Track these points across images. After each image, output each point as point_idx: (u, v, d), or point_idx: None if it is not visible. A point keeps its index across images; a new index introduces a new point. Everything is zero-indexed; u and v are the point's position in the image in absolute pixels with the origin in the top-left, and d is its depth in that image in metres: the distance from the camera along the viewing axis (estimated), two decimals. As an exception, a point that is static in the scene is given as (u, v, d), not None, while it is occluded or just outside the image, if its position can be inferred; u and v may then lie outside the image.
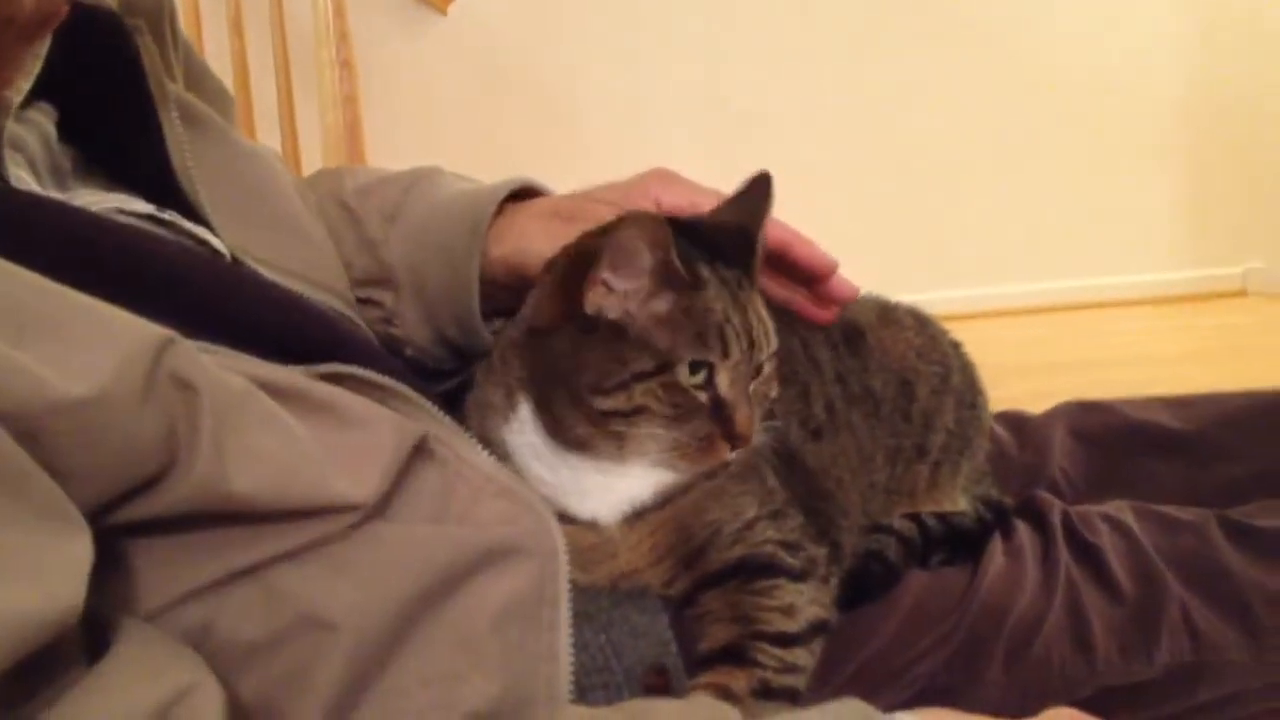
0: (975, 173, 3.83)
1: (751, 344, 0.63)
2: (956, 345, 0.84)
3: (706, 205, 0.75)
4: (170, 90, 0.69)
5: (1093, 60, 3.78)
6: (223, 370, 0.50)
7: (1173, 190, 3.91)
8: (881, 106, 3.73)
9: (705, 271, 0.64)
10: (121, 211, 0.63)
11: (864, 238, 3.75)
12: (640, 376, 0.61)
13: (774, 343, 0.66)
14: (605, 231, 0.63)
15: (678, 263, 0.62)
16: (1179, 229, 3.92)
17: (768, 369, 0.66)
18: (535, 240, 0.75)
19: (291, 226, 0.75)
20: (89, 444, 0.45)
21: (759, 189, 0.70)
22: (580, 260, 0.65)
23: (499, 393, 0.67)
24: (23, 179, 0.61)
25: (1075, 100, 3.79)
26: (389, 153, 2.95)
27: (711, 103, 3.54)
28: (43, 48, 0.62)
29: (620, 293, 0.62)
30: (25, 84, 0.64)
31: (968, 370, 0.83)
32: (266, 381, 0.52)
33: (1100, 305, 3.84)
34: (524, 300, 0.70)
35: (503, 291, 0.78)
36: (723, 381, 0.62)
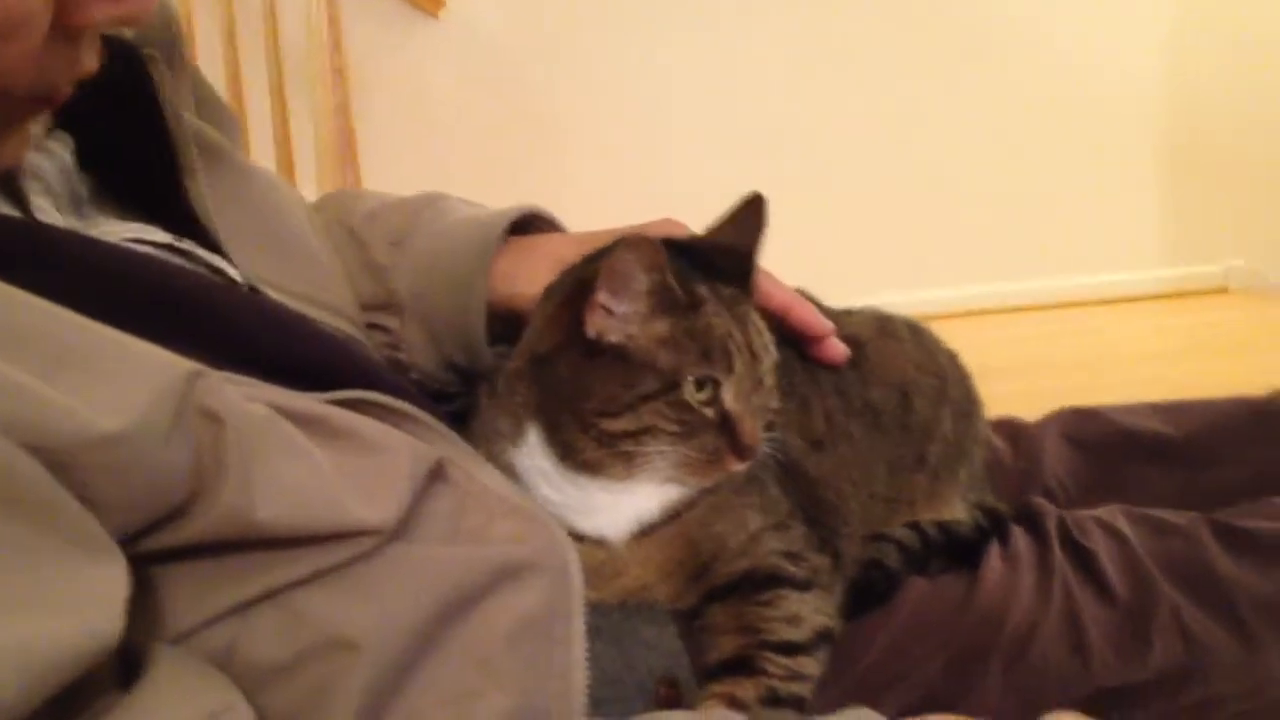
0: (959, 174, 3.86)
1: (753, 357, 0.65)
2: (952, 356, 0.86)
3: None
4: (186, 119, 0.71)
5: (1074, 62, 3.81)
6: (247, 400, 0.52)
7: (1154, 189, 3.94)
8: (866, 112, 3.76)
9: (703, 290, 0.65)
10: (141, 241, 0.65)
11: (848, 239, 3.79)
12: (646, 397, 0.63)
13: (773, 355, 0.68)
14: (600, 256, 0.65)
15: (674, 283, 0.63)
16: (1161, 228, 3.96)
17: (768, 381, 0.67)
18: (538, 283, 0.77)
19: (302, 252, 0.76)
20: (119, 476, 0.46)
21: (753, 210, 0.72)
22: (578, 286, 0.67)
23: (505, 419, 0.69)
24: (43, 208, 0.63)
25: (1057, 101, 3.82)
26: (382, 160, 2.97)
27: (707, 109, 3.56)
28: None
29: (620, 316, 0.64)
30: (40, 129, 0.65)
31: (964, 381, 0.85)
32: (288, 409, 0.54)
33: (1084, 304, 3.87)
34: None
35: (508, 324, 0.79)
36: (728, 396, 0.64)
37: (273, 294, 0.70)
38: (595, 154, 3.46)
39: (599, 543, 0.67)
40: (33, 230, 0.59)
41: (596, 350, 0.64)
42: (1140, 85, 3.87)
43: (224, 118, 0.84)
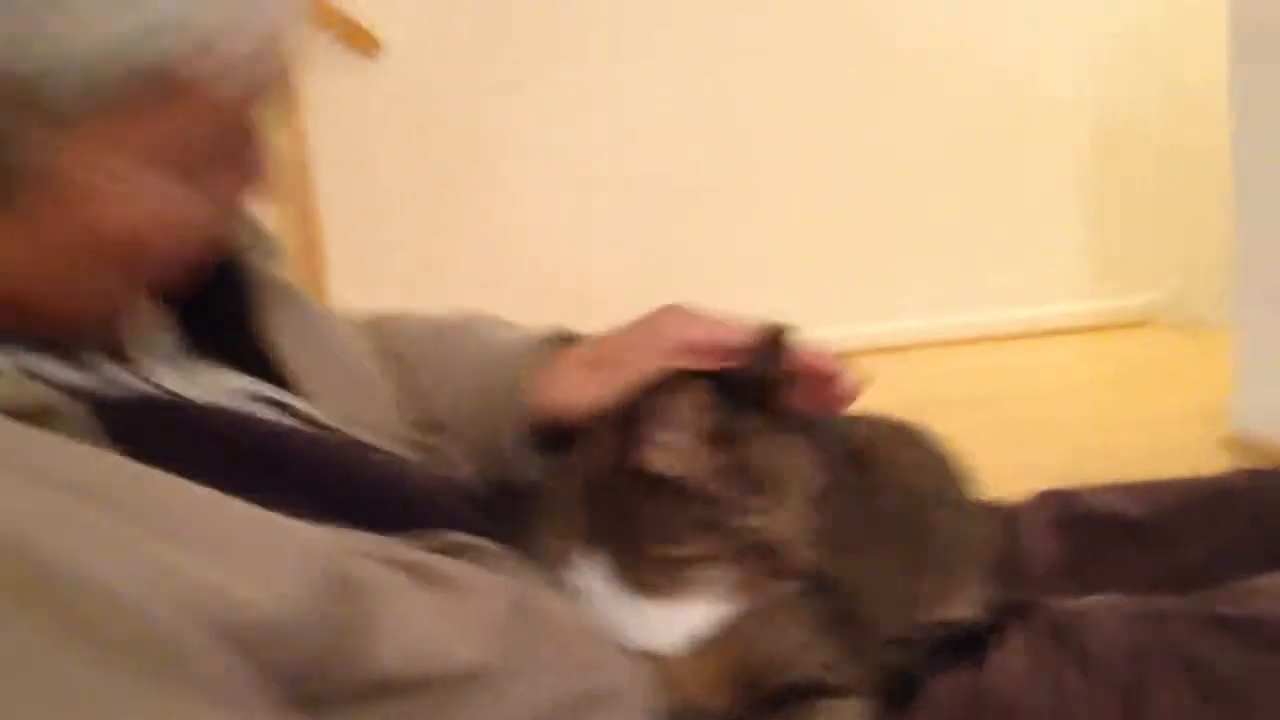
0: (882, 208, 3.94)
1: (797, 485, 0.71)
2: (949, 458, 0.92)
3: (726, 336, 0.82)
4: (257, 265, 0.75)
5: (996, 95, 3.92)
6: (371, 559, 0.56)
7: (1079, 223, 4.08)
8: (789, 148, 3.83)
9: (746, 424, 0.71)
10: (242, 393, 0.69)
11: (771, 276, 3.86)
12: (700, 527, 0.68)
13: (813, 481, 0.74)
14: (652, 393, 0.71)
15: (721, 420, 0.69)
16: (1082, 261, 4.09)
17: (808, 503, 0.73)
18: (569, 390, 0.83)
19: (366, 383, 0.81)
20: (278, 648, 0.51)
21: (778, 341, 0.78)
22: (631, 421, 0.72)
23: (560, 541, 0.74)
24: (157, 371, 0.67)
25: (980, 135, 3.94)
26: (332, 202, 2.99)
27: (651, 144, 3.59)
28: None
29: (671, 450, 0.70)
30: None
31: (963, 480, 0.92)
32: (402, 562, 0.59)
33: (1009, 338, 3.99)
34: (563, 439, 0.77)
35: (541, 433, 0.84)
36: (774, 522, 0.70)
37: (347, 429, 0.74)
38: (542, 189, 3.51)
39: (655, 657, 0.72)
40: (182, 410, 0.63)
41: (650, 481, 0.70)
42: (1062, 122, 3.99)
43: (269, 244, 0.88)
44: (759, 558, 0.70)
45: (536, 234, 3.51)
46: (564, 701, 0.63)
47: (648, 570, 0.70)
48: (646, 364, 0.79)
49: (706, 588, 0.70)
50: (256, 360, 0.74)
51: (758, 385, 0.76)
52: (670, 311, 0.86)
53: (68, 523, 0.46)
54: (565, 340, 0.90)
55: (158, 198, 0.55)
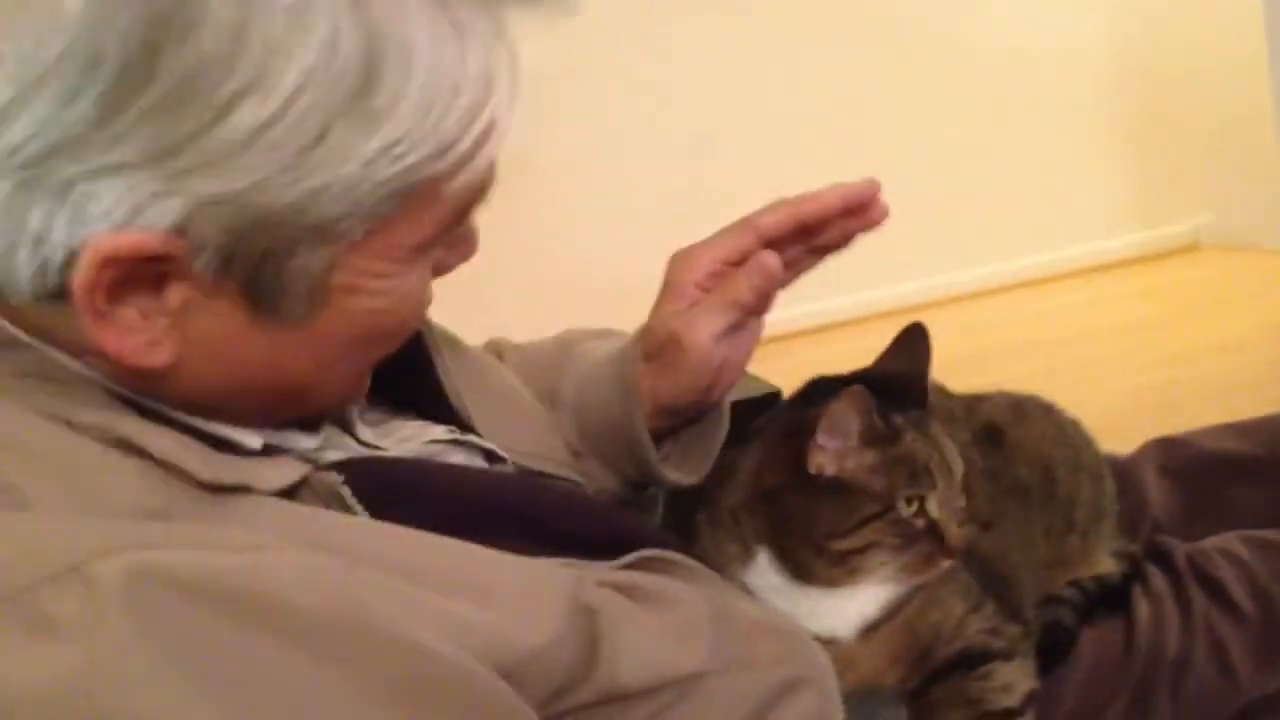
0: (919, 165, 3.93)
1: (949, 469, 0.77)
2: (1076, 424, 0.97)
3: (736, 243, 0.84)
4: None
5: (1023, 31, 3.90)
6: (596, 585, 0.62)
7: (1116, 156, 4.07)
8: (815, 105, 3.82)
9: (899, 420, 0.77)
10: (435, 441, 0.75)
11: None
12: (868, 519, 0.74)
13: (961, 465, 0.79)
14: (815, 404, 0.76)
15: (880, 420, 0.75)
16: (1127, 193, 4.09)
17: (959, 486, 0.79)
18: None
19: (530, 417, 0.86)
20: (543, 676, 0.57)
21: (917, 338, 0.83)
22: (794, 430, 0.78)
23: (734, 544, 0.80)
24: (366, 432, 0.72)
25: (1010, 79, 3.93)
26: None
27: (647, 116, 3.57)
28: None
29: (836, 452, 0.76)
30: None
31: (1091, 446, 0.96)
32: (614, 584, 0.64)
33: (1055, 279, 3.98)
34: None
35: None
36: (932, 506, 0.76)
37: (525, 462, 0.79)
38: (570, 193, 3.53)
39: (830, 641, 0.78)
40: (404, 465, 0.69)
41: (818, 483, 0.75)
42: (1091, 55, 3.98)
43: None
44: (920, 542, 0.75)
45: (563, 238, 3.55)
46: (766, 694, 0.68)
47: (820, 564, 0.75)
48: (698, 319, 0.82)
49: (875, 575, 0.76)
50: (432, 404, 0.79)
51: (904, 380, 0.81)
52: (674, 261, 0.87)
53: (383, 591, 0.52)
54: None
55: (411, 285, 0.60)
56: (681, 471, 0.87)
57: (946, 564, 0.77)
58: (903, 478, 0.75)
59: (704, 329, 0.82)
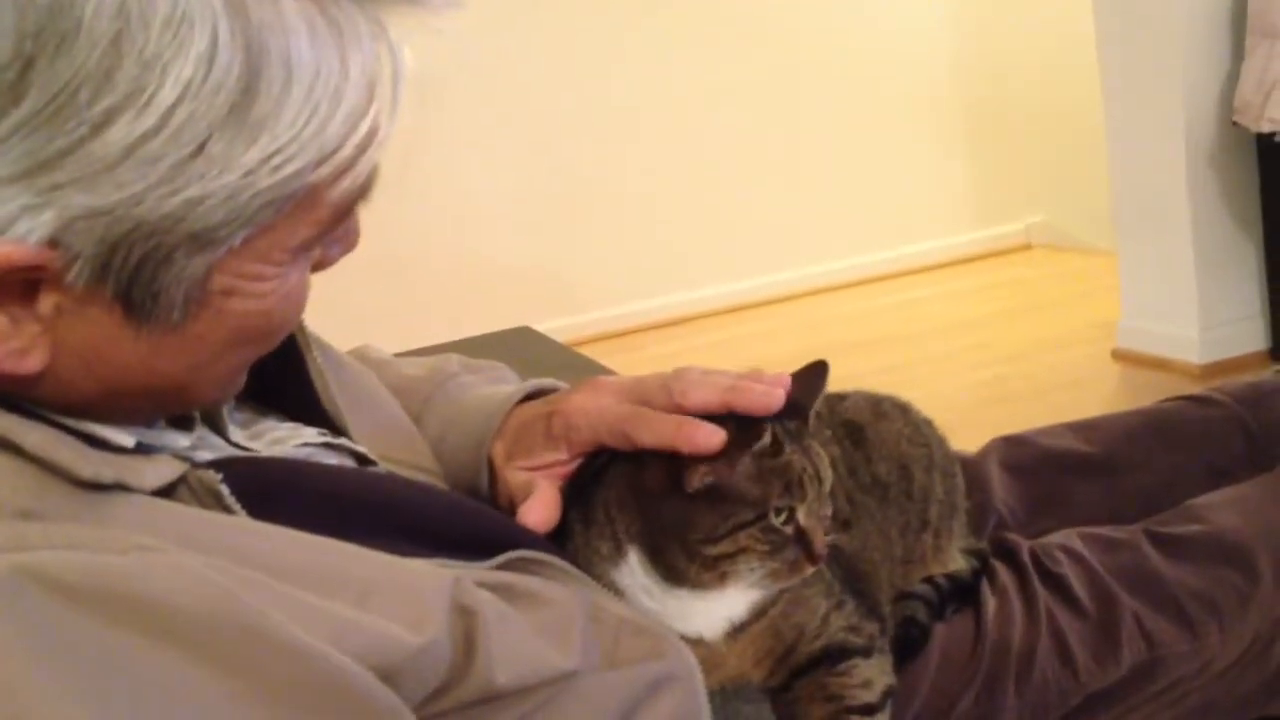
0: (763, 162, 4.02)
1: (819, 480, 0.78)
2: (929, 423, 1.00)
3: (738, 400, 0.79)
4: None
5: (862, 37, 4.02)
6: (472, 586, 0.62)
7: (956, 155, 4.22)
8: (660, 102, 3.88)
9: (778, 431, 0.77)
10: (307, 444, 0.73)
11: (653, 236, 3.93)
12: (741, 525, 0.75)
13: (830, 476, 0.80)
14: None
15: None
16: (966, 193, 4.25)
17: (826, 496, 0.80)
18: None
19: (397, 422, 0.85)
20: (419, 676, 0.57)
21: (816, 373, 0.82)
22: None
23: (606, 543, 0.79)
24: (237, 432, 0.70)
25: (856, 84, 4.05)
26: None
27: (485, 111, 3.58)
28: None
29: (714, 465, 0.76)
30: None
31: (944, 444, 1.00)
32: (492, 585, 0.64)
33: (898, 275, 4.12)
34: None
35: None
36: (801, 515, 0.77)
37: (394, 467, 0.78)
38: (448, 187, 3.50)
39: (698, 641, 0.79)
40: (279, 465, 0.67)
41: (696, 491, 0.76)
42: (929, 61, 4.12)
43: None
44: (788, 549, 0.77)
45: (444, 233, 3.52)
46: (636, 691, 0.69)
47: (693, 568, 0.76)
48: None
49: (743, 579, 0.77)
50: (300, 405, 0.77)
51: (791, 401, 0.82)
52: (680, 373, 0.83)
53: (262, 591, 0.51)
54: (543, 392, 0.90)
55: (291, 284, 0.59)
56: None
57: (810, 570, 0.78)
58: (777, 488, 0.76)
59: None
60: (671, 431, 0.75)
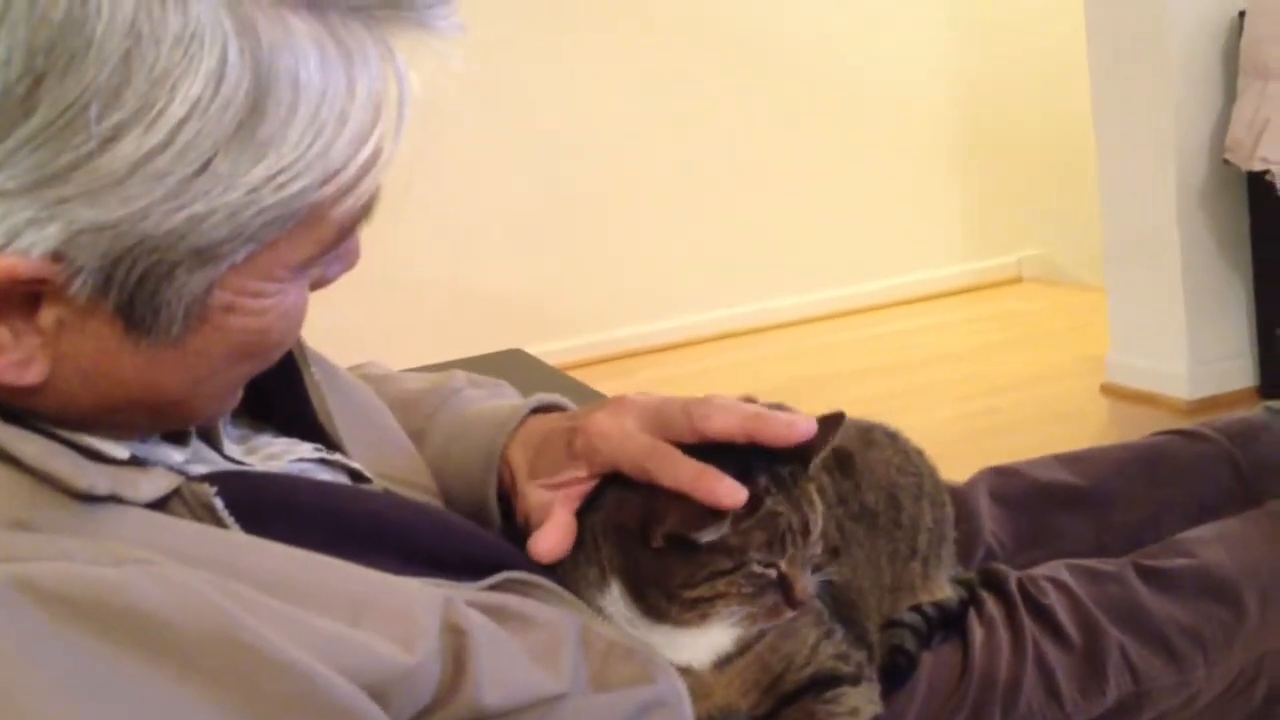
0: (758, 191, 4.03)
1: (805, 529, 0.78)
2: (920, 452, 1.00)
3: (760, 429, 0.78)
4: None
5: (858, 69, 4.04)
6: (464, 605, 0.62)
7: (950, 188, 4.24)
8: (658, 133, 3.90)
9: (765, 480, 0.76)
10: (302, 460, 0.74)
11: (647, 264, 3.93)
12: (719, 574, 0.75)
13: (820, 522, 0.80)
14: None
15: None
16: (957, 227, 4.27)
17: (815, 541, 0.80)
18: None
19: (395, 440, 0.85)
20: (411, 694, 0.57)
21: (832, 423, 0.80)
22: (656, 492, 0.76)
23: (593, 569, 0.79)
24: (232, 447, 0.71)
25: (846, 114, 4.07)
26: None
27: (479, 131, 3.59)
28: None
29: (693, 516, 0.75)
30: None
31: (933, 474, 1.00)
32: (483, 605, 0.64)
33: (890, 305, 4.13)
34: None
35: None
36: (783, 564, 0.77)
37: (390, 485, 0.79)
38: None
39: (685, 670, 0.79)
40: (276, 480, 0.68)
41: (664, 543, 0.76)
42: (927, 95, 4.15)
43: None
44: (769, 593, 0.77)
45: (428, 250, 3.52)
46: (626, 715, 0.70)
47: (673, 608, 0.76)
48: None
49: (724, 619, 0.77)
50: (296, 421, 0.78)
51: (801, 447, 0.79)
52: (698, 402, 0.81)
53: (254, 607, 0.52)
54: (551, 407, 0.90)
55: (290, 302, 0.59)
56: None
57: (790, 615, 0.78)
58: (757, 540, 0.75)
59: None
60: (691, 479, 0.73)
